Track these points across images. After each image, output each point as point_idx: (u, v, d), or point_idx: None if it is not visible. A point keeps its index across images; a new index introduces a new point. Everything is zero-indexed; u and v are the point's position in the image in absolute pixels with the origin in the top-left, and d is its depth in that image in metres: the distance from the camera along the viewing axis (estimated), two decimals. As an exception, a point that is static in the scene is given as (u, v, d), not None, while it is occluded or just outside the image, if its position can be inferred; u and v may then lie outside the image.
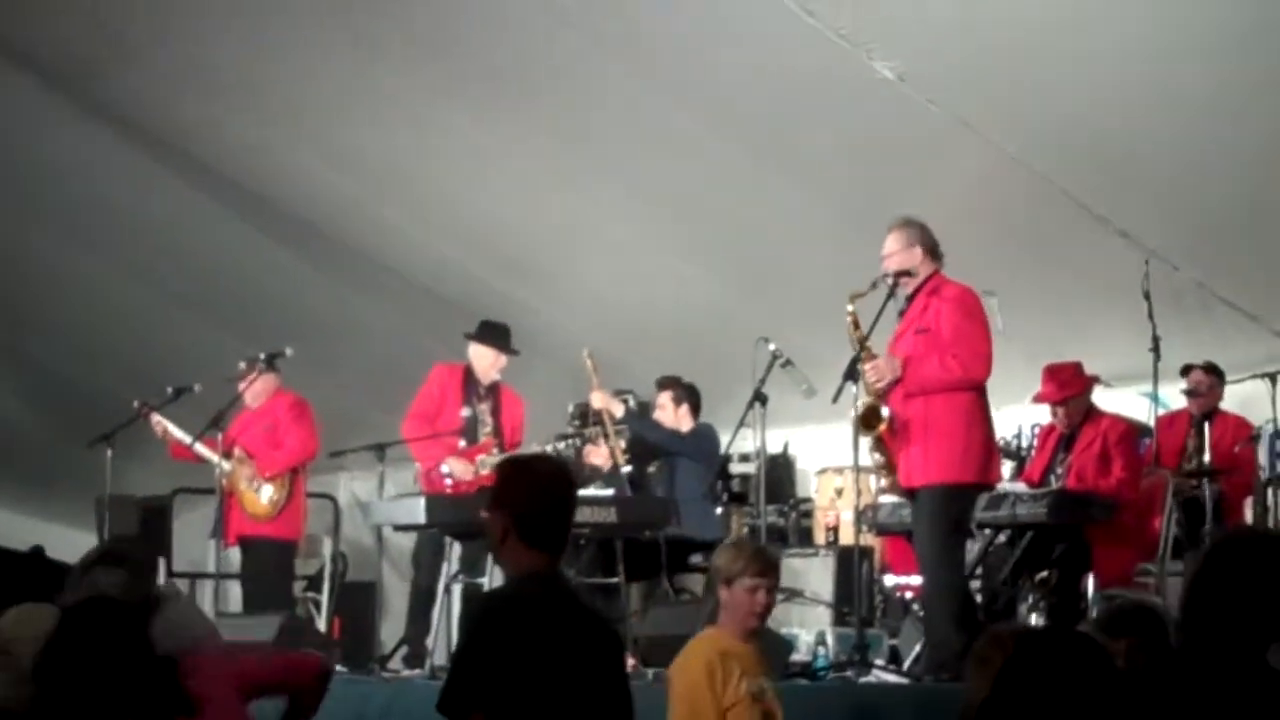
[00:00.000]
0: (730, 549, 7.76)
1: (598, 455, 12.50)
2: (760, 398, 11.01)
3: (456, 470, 11.90)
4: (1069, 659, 4.44)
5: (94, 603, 5.65)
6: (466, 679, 5.26)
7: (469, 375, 12.25)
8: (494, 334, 12.30)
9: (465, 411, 12.17)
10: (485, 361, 12.22)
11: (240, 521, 12.79)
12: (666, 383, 12.74)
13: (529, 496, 5.47)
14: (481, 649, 5.27)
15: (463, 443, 12.07)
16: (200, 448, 12.80)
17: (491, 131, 12.19)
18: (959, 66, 10.09)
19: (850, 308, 9.88)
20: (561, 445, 12.24)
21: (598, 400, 12.17)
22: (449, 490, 11.77)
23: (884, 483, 10.18)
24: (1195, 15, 9.25)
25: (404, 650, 11.64)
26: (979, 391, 9.62)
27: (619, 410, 12.25)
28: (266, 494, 12.81)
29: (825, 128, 11.01)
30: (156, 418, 12.96)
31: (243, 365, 12.89)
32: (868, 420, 9.76)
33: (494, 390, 12.29)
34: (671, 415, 12.61)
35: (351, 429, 13.36)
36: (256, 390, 12.94)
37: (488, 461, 11.80)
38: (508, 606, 5.41)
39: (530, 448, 12.11)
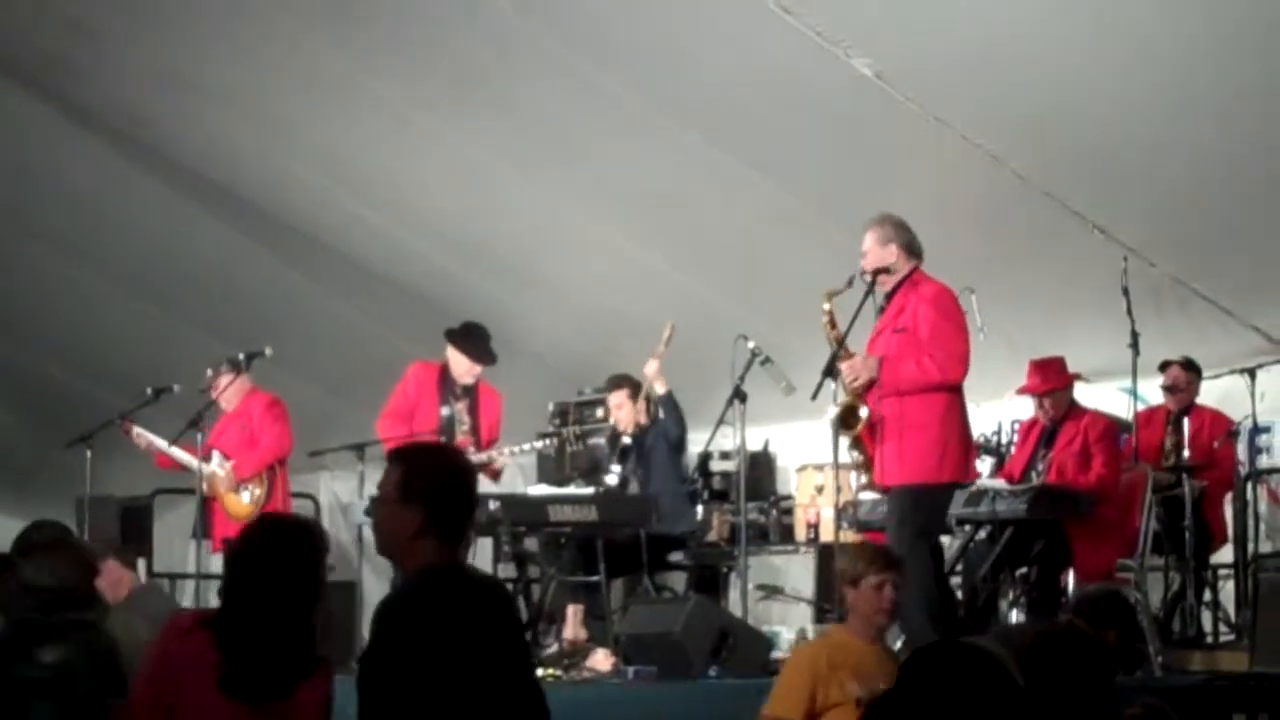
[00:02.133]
0: (850, 550, 8.02)
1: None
2: (740, 395, 11.00)
3: None
4: (962, 673, 4.46)
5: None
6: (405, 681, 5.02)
7: (445, 374, 12.21)
8: (473, 341, 12.23)
9: (444, 410, 12.15)
10: (462, 366, 12.19)
11: (224, 525, 12.77)
12: (621, 381, 12.60)
13: (445, 488, 5.24)
14: (404, 652, 5.02)
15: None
16: (180, 454, 12.79)
17: (468, 132, 12.18)
18: (937, 64, 10.09)
19: (826, 306, 9.92)
20: (541, 444, 12.22)
21: (652, 368, 12.04)
22: None
23: (864, 479, 10.21)
24: (1172, 13, 9.26)
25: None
26: (955, 391, 9.66)
27: (662, 389, 12.16)
28: (247, 495, 12.81)
29: (803, 125, 11.00)
30: (137, 430, 12.93)
31: (210, 372, 12.89)
32: (845, 420, 9.80)
33: (471, 388, 12.25)
34: (630, 412, 12.45)
35: (331, 429, 13.36)
36: (229, 394, 12.93)
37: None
38: (426, 605, 5.11)
39: (510, 445, 12.09)
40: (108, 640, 6.76)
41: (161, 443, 12.83)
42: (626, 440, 12.25)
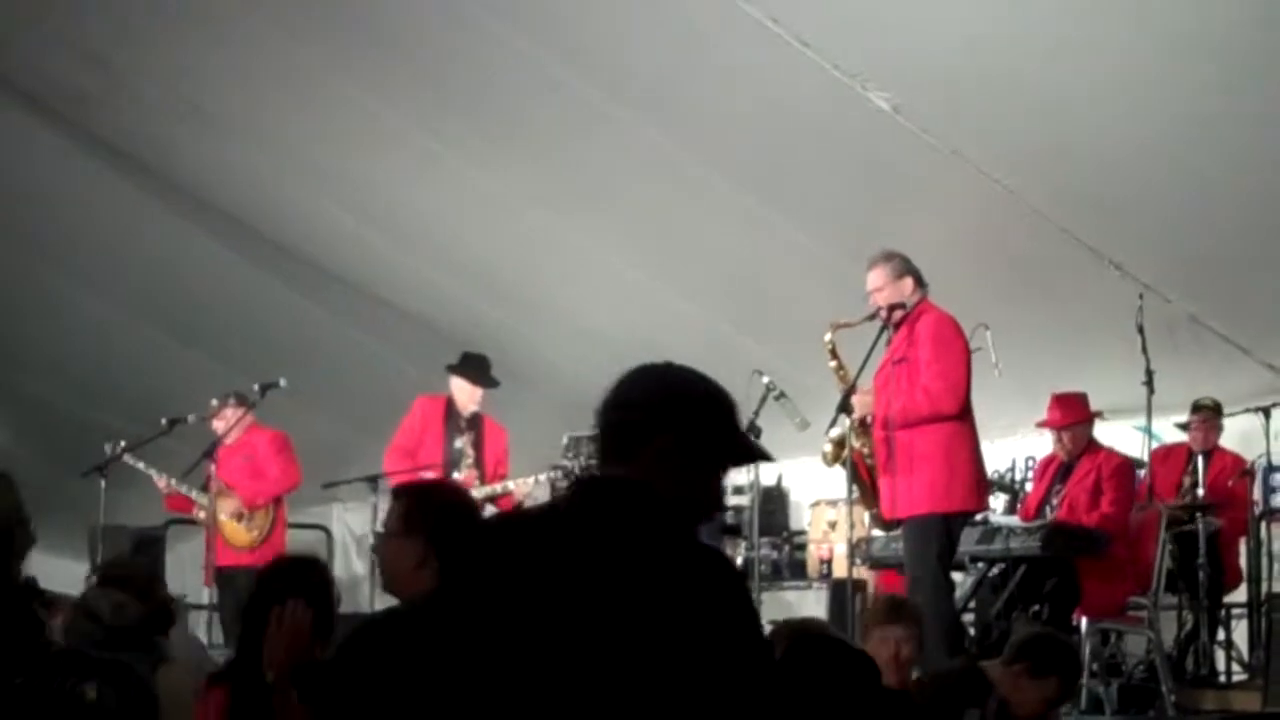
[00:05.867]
0: (870, 599, 7.87)
1: None
2: (754, 430, 10.99)
3: None
4: (836, 668, 4.50)
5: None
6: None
7: (450, 407, 12.25)
8: (473, 366, 12.29)
9: (458, 443, 12.16)
10: (465, 393, 12.22)
11: (223, 553, 12.80)
12: None
13: (448, 522, 5.26)
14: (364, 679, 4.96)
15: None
16: (178, 485, 12.82)
17: (486, 165, 12.19)
18: (954, 98, 10.08)
19: (828, 336, 9.92)
20: (550, 474, 12.20)
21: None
22: None
23: (869, 513, 10.24)
24: (1192, 49, 9.25)
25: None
26: (960, 420, 9.64)
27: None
28: (249, 526, 12.84)
29: (820, 158, 11.00)
30: (161, 479, 12.91)
31: (215, 402, 12.92)
32: (835, 455, 9.90)
33: (476, 422, 12.29)
34: None
35: (344, 460, 13.38)
36: (232, 426, 12.96)
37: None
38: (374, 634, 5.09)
39: (523, 478, 12.08)
40: (147, 689, 6.70)
41: (160, 478, 12.86)
42: None
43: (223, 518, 12.83)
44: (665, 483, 3.77)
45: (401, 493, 5.50)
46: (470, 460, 12.16)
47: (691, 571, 3.63)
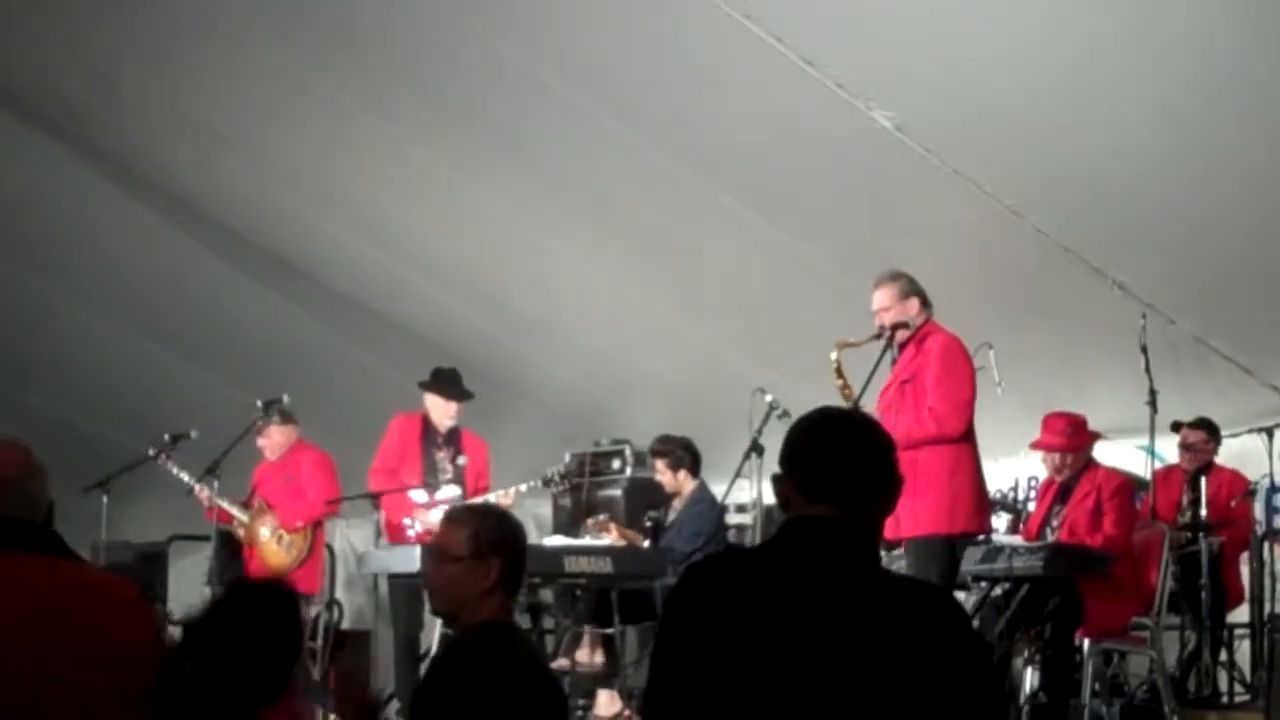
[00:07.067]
0: None
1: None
2: (757, 449, 10.98)
3: (423, 522, 11.85)
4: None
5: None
6: None
7: (427, 424, 12.25)
8: (444, 381, 12.29)
9: (433, 458, 12.16)
10: (439, 409, 12.22)
11: (260, 574, 12.75)
12: (662, 449, 12.75)
13: (516, 544, 5.38)
14: (481, 698, 5.08)
15: (424, 493, 12.03)
16: (225, 504, 12.75)
17: (490, 183, 12.20)
18: (957, 117, 10.09)
19: (834, 355, 9.91)
20: (530, 484, 12.14)
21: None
22: (414, 540, 11.74)
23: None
24: (1197, 71, 9.25)
25: (395, 704, 11.59)
26: (964, 441, 9.62)
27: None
28: (286, 547, 12.80)
29: (823, 177, 11.00)
30: (203, 491, 12.85)
31: (259, 419, 12.88)
32: None
33: (454, 436, 12.27)
34: (671, 480, 12.66)
35: (347, 477, 13.35)
36: (275, 443, 12.98)
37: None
38: (498, 652, 5.21)
39: (503, 489, 12.00)
40: None
41: (201, 489, 12.80)
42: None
43: (262, 537, 12.82)
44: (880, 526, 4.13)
45: (461, 516, 5.52)
46: (450, 476, 12.14)
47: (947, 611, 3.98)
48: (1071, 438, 11.14)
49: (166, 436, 12.90)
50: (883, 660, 3.79)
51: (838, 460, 4.09)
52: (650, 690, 4.07)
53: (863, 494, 4.03)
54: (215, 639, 5.55)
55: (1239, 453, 12.27)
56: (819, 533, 3.98)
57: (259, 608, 5.68)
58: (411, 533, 11.86)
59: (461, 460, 12.12)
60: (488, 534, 5.36)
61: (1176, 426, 12.07)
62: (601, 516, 12.65)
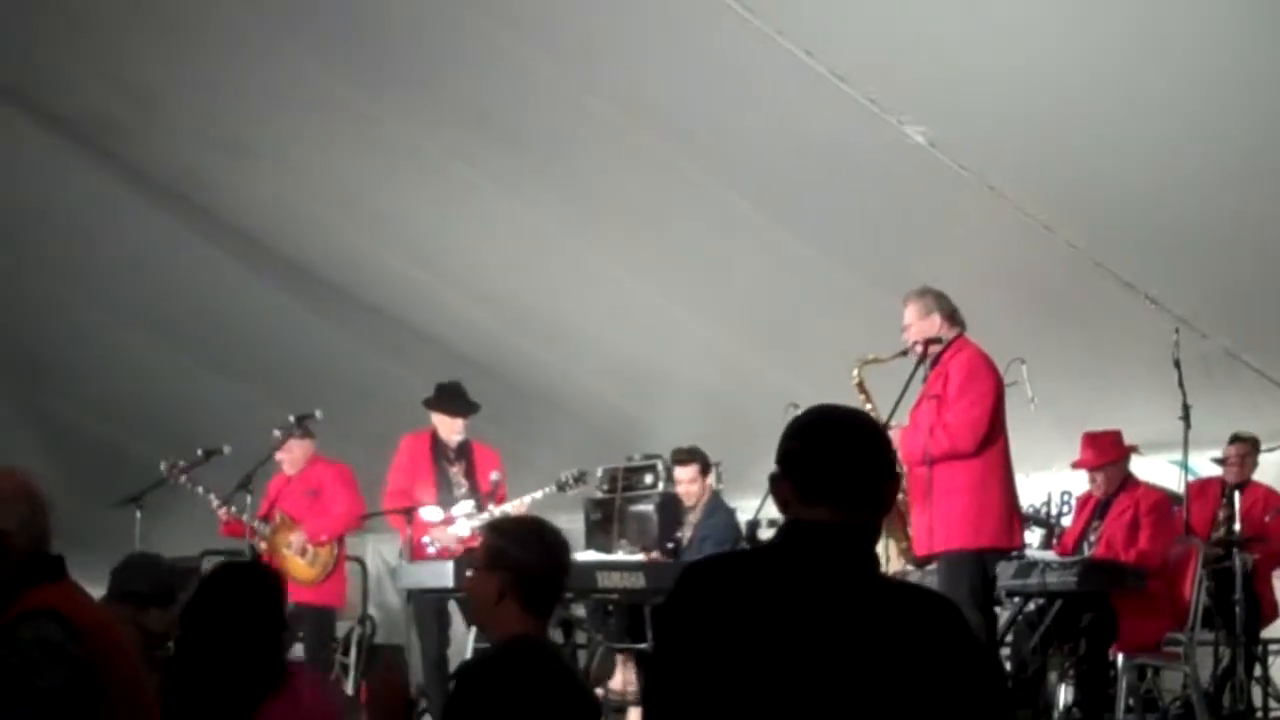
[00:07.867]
0: None
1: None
2: (787, 462, 10.94)
3: (441, 539, 11.85)
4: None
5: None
6: None
7: (435, 440, 12.24)
8: (448, 396, 12.28)
9: (443, 474, 12.15)
10: (446, 425, 12.22)
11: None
12: (688, 456, 12.75)
13: (534, 556, 5.34)
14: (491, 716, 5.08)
15: (439, 510, 12.03)
16: (236, 513, 12.75)
17: (519, 195, 12.21)
18: (989, 132, 10.08)
19: (855, 372, 9.92)
20: (545, 491, 12.10)
21: None
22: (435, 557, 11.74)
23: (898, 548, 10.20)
24: (1229, 83, 9.23)
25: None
26: (989, 456, 9.61)
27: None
28: (312, 561, 12.79)
29: (855, 192, 10.99)
30: (221, 506, 12.87)
31: (278, 434, 12.87)
32: None
33: (465, 450, 12.27)
34: (698, 489, 12.68)
35: (379, 489, 13.36)
36: (295, 457, 12.96)
37: (468, 523, 11.77)
38: (504, 672, 5.20)
39: (518, 499, 11.97)
40: None
41: (217, 503, 12.80)
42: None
43: (284, 551, 12.81)
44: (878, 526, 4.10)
45: (491, 528, 5.59)
46: (464, 490, 12.13)
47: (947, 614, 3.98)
48: (1099, 454, 11.18)
49: (199, 451, 12.90)
50: (880, 667, 3.77)
51: (833, 461, 4.03)
52: (648, 691, 4.05)
53: (859, 494, 3.98)
54: (201, 615, 5.83)
55: (1273, 467, 12.23)
56: (817, 539, 3.96)
57: (241, 584, 5.92)
58: (432, 550, 11.86)
59: (495, 476, 12.10)
60: (494, 546, 5.38)
61: (1235, 439, 12.07)
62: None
